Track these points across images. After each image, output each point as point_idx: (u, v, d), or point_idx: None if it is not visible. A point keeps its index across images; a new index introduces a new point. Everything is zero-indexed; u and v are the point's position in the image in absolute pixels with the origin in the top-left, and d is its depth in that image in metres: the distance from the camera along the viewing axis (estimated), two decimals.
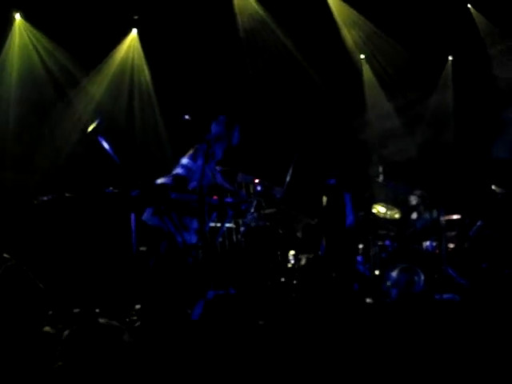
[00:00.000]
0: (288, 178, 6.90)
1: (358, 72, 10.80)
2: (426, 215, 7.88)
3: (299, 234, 7.24)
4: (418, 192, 7.99)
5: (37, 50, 9.09)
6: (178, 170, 6.26)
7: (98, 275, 6.51)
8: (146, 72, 9.73)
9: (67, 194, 6.47)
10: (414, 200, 8.04)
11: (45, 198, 6.52)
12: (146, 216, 6.06)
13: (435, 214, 7.57)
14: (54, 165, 8.67)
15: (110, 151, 6.18)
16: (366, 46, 10.57)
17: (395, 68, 10.52)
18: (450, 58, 10.67)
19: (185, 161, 6.32)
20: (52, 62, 9.11)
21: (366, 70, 10.88)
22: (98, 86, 9.35)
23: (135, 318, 5.66)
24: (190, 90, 9.21)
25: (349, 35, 10.31)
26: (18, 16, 8.97)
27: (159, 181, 6.19)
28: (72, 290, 6.16)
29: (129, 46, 9.66)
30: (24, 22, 9.01)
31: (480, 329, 5.60)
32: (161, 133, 9.53)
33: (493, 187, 8.03)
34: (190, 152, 6.39)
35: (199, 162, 6.09)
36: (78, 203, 6.38)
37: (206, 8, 9.31)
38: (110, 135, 5.84)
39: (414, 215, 8.08)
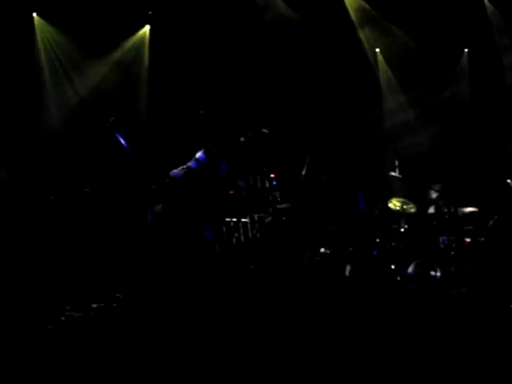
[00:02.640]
0: (304, 172, 6.91)
1: (373, 66, 10.73)
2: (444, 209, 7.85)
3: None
4: (437, 186, 7.94)
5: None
6: (191, 163, 6.35)
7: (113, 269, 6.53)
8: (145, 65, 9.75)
9: (85, 190, 6.55)
10: (432, 194, 8.00)
11: (62, 193, 6.59)
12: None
13: (452, 208, 7.54)
14: (71, 160, 8.73)
15: (126, 146, 6.24)
16: (381, 40, 10.50)
17: (410, 62, 10.45)
18: (466, 50, 10.57)
19: (198, 155, 6.40)
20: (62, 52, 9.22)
21: (382, 64, 10.81)
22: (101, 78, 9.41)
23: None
24: (202, 85, 9.22)
25: (363, 33, 10.26)
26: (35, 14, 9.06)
27: (172, 172, 6.26)
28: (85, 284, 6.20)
29: (137, 41, 9.70)
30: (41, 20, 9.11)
31: (494, 322, 5.59)
32: (170, 125, 9.50)
33: (508, 181, 7.98)
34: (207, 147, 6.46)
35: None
36: (95, 198, 6.44)
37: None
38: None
39: (432, 209, 8.04)
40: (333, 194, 7.33)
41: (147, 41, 9.71)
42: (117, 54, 9.52)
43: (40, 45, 9.19)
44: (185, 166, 6.40)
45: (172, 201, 6.24)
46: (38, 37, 9.17)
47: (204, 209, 6.31)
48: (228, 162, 6.57)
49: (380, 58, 10.75)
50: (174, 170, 6.37)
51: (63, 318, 5.25)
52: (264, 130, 6.68)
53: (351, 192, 7.42)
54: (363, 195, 7.44)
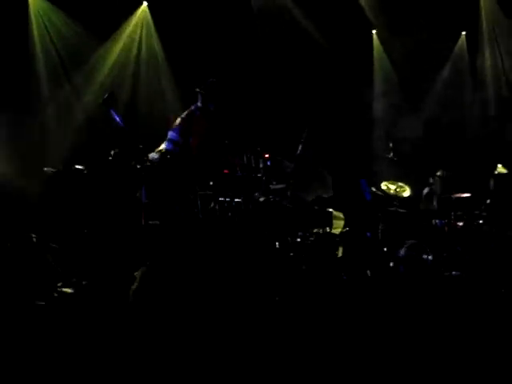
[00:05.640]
0: (299, 152, 6.89)
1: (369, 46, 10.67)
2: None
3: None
4: (441, 172, 7.93)
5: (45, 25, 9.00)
6: (165, 144, 6.35)
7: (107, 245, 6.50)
8: (156, 42, 9.62)
9: (77, 166, 6.48)
10: (434, 179, 8.01)
11: (53, 170, 6.53)
12: None
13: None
14: (65, 137, 8.65)
15: (121, 123, 6.18)
16: (377, 21, 10.43)
17: (406, 43, 10.39)
18: (464, 33, 10.52)
19: (170, 134, 6.40)
20: (60, 35, 9.03)
21: (377, 45, 10.75)
22: (107, 60, 9.27)
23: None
24: (200, 60, 9.12)
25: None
26: None
27: (150, 156, 6.24)
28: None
29: (139, 19, 9.56)
30: None
31: (485, 306, 5.63)
32: (173, 102, 9.42)
33: (498, 165, 8.00)
34: (176, 124, 6.45)
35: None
36: (86, 175, 6.39)
37: None
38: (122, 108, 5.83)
39: (425, 190, 8.07)
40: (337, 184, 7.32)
41: (150, 18, 9.59)
42: (120, 35, 9.37)
43: (33, 23, 8.99)
44: (160, 148, 6.43)
45: (155, 183, 6.21)
46: (32, 14, 8.98)
47: (188, 187, 6.28)
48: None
49: (375, 38, 10.70)
50: (152, 154, 6.37)
51: (56, 295, 5.24)
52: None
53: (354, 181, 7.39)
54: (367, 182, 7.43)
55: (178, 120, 6.66)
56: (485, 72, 10.35)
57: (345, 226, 6.93)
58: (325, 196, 7.20)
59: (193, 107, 6.81)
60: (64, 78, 9.00)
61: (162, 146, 6.50)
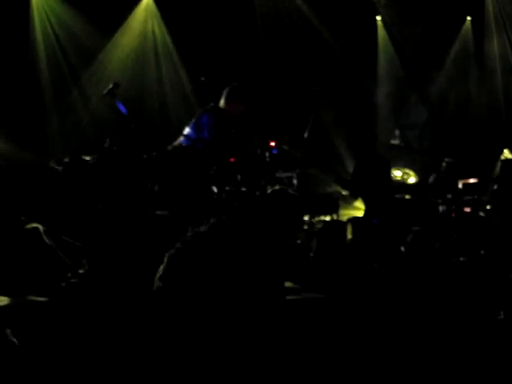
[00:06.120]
0: (306, 136, 6.89)
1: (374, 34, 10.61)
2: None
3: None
4: (448, 159, 7.91)
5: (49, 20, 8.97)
6: (180, 140, 6.39)
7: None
8: (167, 36, 9.58)
9: (83, 157, 6.50)
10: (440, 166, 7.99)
11: (62, 161, 6.54)
12: None
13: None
14: (71, 128, 8.68)
15: (126, 114, 6.18)
16: (382, 8, 10.38)
17: (410, 29, 10.33)
18: (469, 18, 10.44)
19: (186, 131, 6.44)
20: (65, 30, 9.00)
21: (381, 32, 10.69)
22: (116, 55, 9.25)
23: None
24: (207, 51, 9.11)
25: None
26: None
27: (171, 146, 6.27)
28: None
29: (145, 11, 9.53)
30: None
31: (493, 292, 5.63)
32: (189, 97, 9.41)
33: (505, 150, 7.97)
34: (192, 121, 6.48)
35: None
36: (92, 166, 6.40)
37: None
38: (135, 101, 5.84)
39: (432, 178, 8.05)
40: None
41: (155, 7, 9.54)
42: (127, 27, 9.33)
43: (36, 16, 8.95)
44: (175, 144, 6.46)
45: (165, 173, 6.22)
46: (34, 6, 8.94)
47: (199, 178, 6.29)
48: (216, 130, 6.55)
49: (380, 25, 10.65)
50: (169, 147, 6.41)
51: (64, 285, 5.27)
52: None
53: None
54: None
55: (196, 117, 6.69)
56: (491, 57, 10.29)
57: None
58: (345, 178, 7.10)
59: (209, 105, 6.79)
60: (70, 74, 9.01)
61: (178, 141, 6.55)
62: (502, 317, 5.04)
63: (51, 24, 8.98)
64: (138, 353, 4.00)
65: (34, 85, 8.71)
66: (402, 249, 6.66)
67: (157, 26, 9.55)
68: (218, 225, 3.89)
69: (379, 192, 6.54)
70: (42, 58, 8.88)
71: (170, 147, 6.38)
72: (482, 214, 7.48)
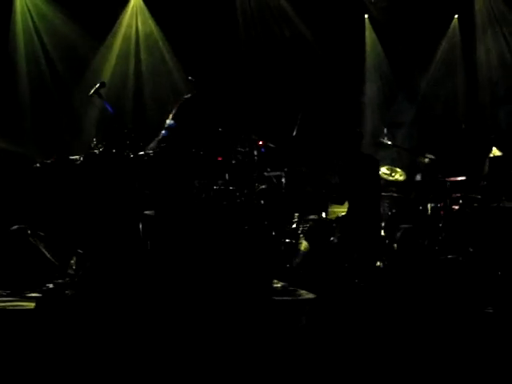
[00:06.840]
0: (294, 134, 6.88)
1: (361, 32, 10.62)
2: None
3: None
4: (429, 155, 7.92)
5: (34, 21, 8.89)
6: (162, 132, 6.35)
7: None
8: (156, 33, 9.54)
9: (70, 157, 6.45)
10: (422, 163, 7.99)
11: (47, 161, 6.49)
12: None
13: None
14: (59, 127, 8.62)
15: (112, 112, 6.15)
16: (369, 6, 10.39)
17: (398, 27, 10.34)
18: (456, 16, 10.47)
19: (168, 122, 6.39)
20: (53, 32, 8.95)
21: (369, 31, 10.69)
22: (107, 59, 9.22)
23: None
24: (196, 49, 9.08)
25: None
26: None
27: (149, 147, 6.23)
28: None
29: (132, 9, 9.49)
30: None
31: (482, 289, 5.65)
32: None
33: (493, 149, 7.99)
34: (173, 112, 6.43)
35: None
36: (80, 166, 6.35)
37: None
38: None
39: (418, 177, 8.05)
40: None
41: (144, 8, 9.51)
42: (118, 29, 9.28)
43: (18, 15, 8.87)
44: (158, 137, 6.42)
45: (151, 172, 6.19)
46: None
47: (184, 176, 6.26)
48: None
49: (367, 23, 10.64)
50: (151, 145, 6.37)
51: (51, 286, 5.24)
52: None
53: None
54: None
55: (175, 107, 6.64)
56: (479, 55, 10.32)
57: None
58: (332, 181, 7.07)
59: (187, 95, 6.77)
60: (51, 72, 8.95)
61: (160, 135, 6.47)
62: (490, 311, 5.06)
63: (33, 21, 8.92)
64: (127, 349, 3.98)
65: (13, 85, 8.69)
66: (394, 246, 6.68)
67: (143, 23, 9.52)
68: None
69: (368, 192, 6.52)
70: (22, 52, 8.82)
71: (152, 144, 6.30)
72: (469, 211, 7.49)
